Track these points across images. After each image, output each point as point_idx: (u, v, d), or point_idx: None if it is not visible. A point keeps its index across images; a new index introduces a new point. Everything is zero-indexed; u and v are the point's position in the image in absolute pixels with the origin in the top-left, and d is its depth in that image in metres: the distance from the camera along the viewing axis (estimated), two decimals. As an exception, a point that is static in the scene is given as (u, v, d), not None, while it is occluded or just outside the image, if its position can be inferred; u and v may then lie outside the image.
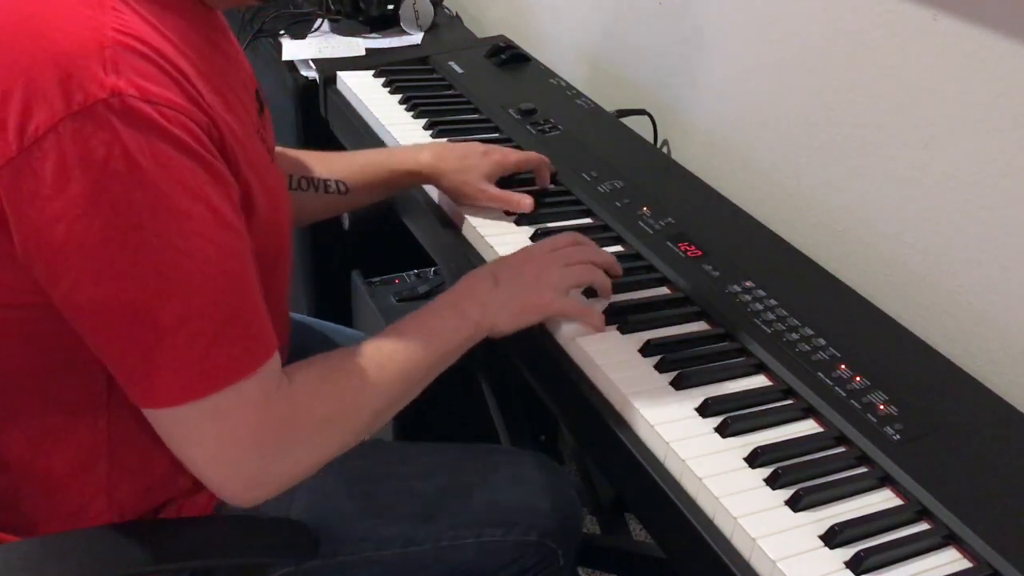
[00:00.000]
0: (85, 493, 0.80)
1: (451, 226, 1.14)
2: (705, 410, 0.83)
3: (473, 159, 1.12)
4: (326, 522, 0.90)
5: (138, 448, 0.80)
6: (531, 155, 1.17)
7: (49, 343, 0.74)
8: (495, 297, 0.89)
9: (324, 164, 1.12)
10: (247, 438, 0.72)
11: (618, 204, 1.14)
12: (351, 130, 1.42)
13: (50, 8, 0.66)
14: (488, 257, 1.06)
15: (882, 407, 0.84)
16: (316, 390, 0.77)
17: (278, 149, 1.00)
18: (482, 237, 1.08)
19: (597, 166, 1.23)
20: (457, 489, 0.97)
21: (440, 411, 1.64)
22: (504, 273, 0.91)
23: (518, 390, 1.49)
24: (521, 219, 1.11)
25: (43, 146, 0.62)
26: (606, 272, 0.96)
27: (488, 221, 1.11)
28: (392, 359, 0.82)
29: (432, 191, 1.18)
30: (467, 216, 1.11)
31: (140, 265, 0.65)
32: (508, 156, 1.15)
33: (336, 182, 1.11)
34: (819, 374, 0.87)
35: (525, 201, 1.10)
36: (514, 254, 0.96)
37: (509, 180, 1.16)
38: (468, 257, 1.08)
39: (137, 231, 0.64)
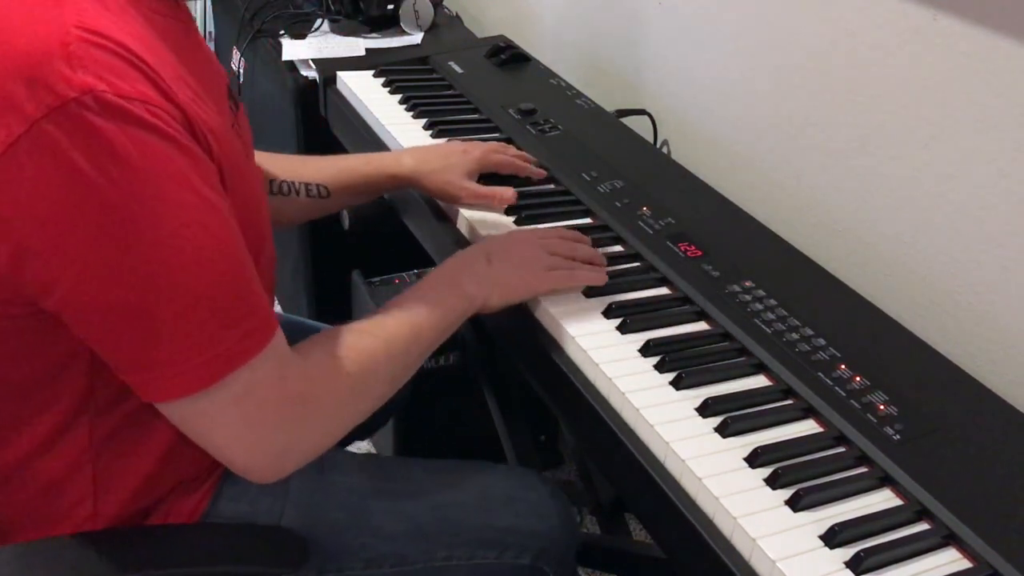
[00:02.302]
0: (71, 499, 0.80)
1: (446, 220, 1.14)
2: (705, 410, 0.83)
3: (454, 158, 1.14)
4: (316, 535, 0.89)
5: (122, 451, 0.80)
6: (509, 159, 1.18)
7: (30, 354, 0.73)
8: (489, 274, 0.92)
9: (305, 168, 1.13)
10: (269, 416, 0.73)
11: (618, 204, 1.14)
12: (351, 130, 1.42)
13: (4, 8, 0.64)
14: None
15: (882, 407, 0.84)
16: (332, 365, 0.78)
17: (258, 154, 1.00)
18: (476, 231, 1.08)
19: (597, 166, 1.23)
20: (451, 508, 0.96)
21: (442, 417, 1.65)
22: (496, 252, 0.95)
23: (518, 390, 1.49)
24: (520, 220, 1.11)
25: (18, 153, 0.61)
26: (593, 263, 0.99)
27: (482, 215, 1.11)
28: (400, 339, 0.84)
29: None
30: (461, 210, 1.12)
31: (136, 260, 0.64)
32: (488, 155, 1.16)
33: (317, 186, 1.12)
34: (819, 374, 0.87)
35: (507, 194, 1.12)
36: (502, 235, 1.01)
37: (502, 177, 1.18)
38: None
39: (128, 225, 0.63)
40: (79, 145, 0.61)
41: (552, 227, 1.07)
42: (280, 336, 0.74)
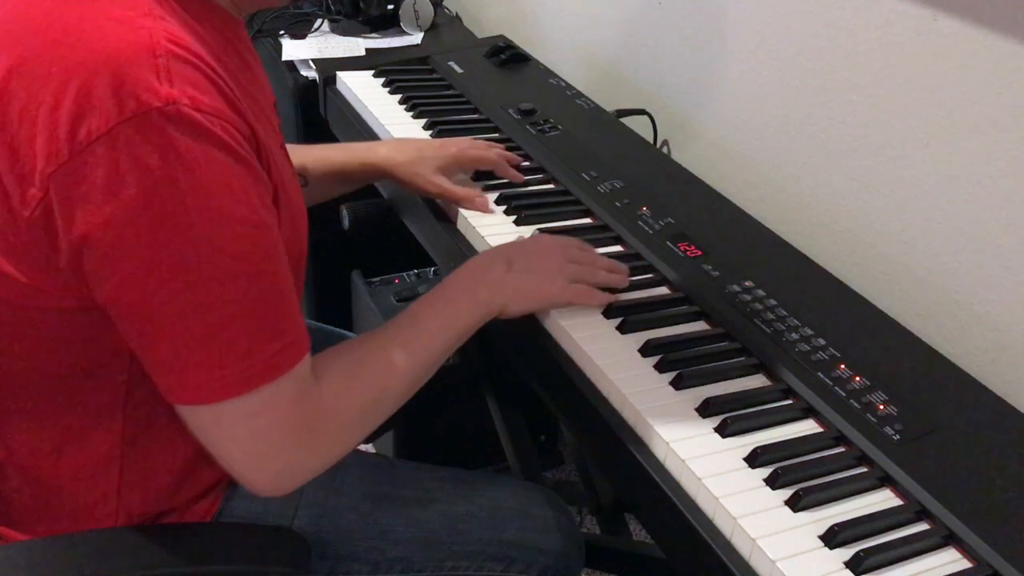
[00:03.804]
0: (94, 496, 0.80)
1: (446, 220, 1.14)
2: (705, 410, 0.83)
3: (428, 151, 1.14)
4: (326, 538, 0.90)
5: (150, 454, 0.81)
6: (487, 155, 1.18)
7: (76, 347, 0.74)
8: (508, 280, 0.91)
9: None
10: (280, 434, 0.73)
11: (618, 204, 1.14)
12: (351, 130, 1.42)
13: (99, 15, 0.66)
14: (482, 250, 1.06)
15: (882, 407, 0.84)
16: (344, 388, 0.78)
17: None
18: (474, 228, 1.09)
19: (597, 166, 1.23)
20: (460, 519, 0.96)
21: (442, 418, 1.65)
22: (517, 258, 0.93)
23: (518, 390, 1.49)
24: (520, 220, 1.11)
25: (96, 151, 0.63)
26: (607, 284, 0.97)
27: (483, 216, 1.11)
28: (411, 350, 0.83)
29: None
30: (461, 210, 1.12)
31: (189, 267, 0.66)
32: (465, 152, 1.16)
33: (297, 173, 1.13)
34: (819, 374, 0.87)
35: (478, 202, 1.11)
36: (525, 241, 0.99)
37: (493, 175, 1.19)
38: (463, 250, 1.08)
39: (187, 234, 0.65)
40: (155, 150, 0.63)
41: (560, 227, 1.07)
42: (308, 358, 0.75)
